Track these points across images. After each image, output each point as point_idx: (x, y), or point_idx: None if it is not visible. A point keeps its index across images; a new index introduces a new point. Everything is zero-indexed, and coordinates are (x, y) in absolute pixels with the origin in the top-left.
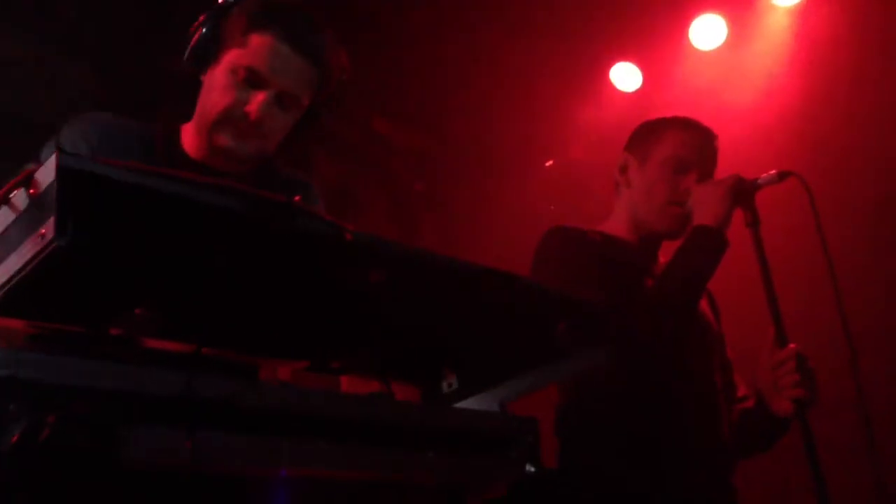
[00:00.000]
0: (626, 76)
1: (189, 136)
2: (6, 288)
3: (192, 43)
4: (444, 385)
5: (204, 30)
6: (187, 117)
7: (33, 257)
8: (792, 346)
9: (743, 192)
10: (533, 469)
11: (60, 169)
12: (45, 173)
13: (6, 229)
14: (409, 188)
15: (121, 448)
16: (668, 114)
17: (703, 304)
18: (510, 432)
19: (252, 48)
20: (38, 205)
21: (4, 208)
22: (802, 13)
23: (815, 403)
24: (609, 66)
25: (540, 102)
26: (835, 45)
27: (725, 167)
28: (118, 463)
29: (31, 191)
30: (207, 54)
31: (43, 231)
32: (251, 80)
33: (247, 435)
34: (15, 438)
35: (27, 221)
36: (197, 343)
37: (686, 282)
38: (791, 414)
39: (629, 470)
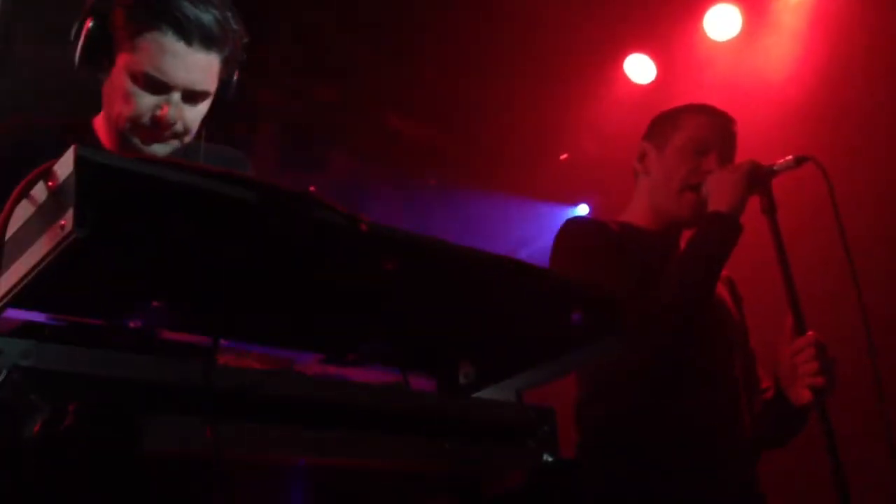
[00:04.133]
0: (640, 68)
1: (103, 131)
2: (27, 280)
3: (80, 48)
4: (461, 375)
5: (89, 30)
6: (96, 110)
7: (53, 249)
8: (811, 333)
9: (759, 178)
10: (550, 459)
11: (79, 160)
12: (64, 166)
13: (26, 222)
14: (423, 183)
15: (141, 437)
16: (682, 104)
17: (724, 293)
18: (527, 422)
19: (145, 51)
20: (56, 197)
21: (24, 202)
22: (817, 1)
23: (834, 391)
24: (623, 58)
25: (554, 96)
26: (849, 31)
27: (742, 155)
28: (138, 452)
29: (50, 183)
30: (100, 55)
31: (62, 223)
32: (152, 84)
33: (266, 424)
34: (37, 428)
35: (46, 214)
36: (213, 335)
37: (699, 269)
38: (810, 402)
39: (648, 462)
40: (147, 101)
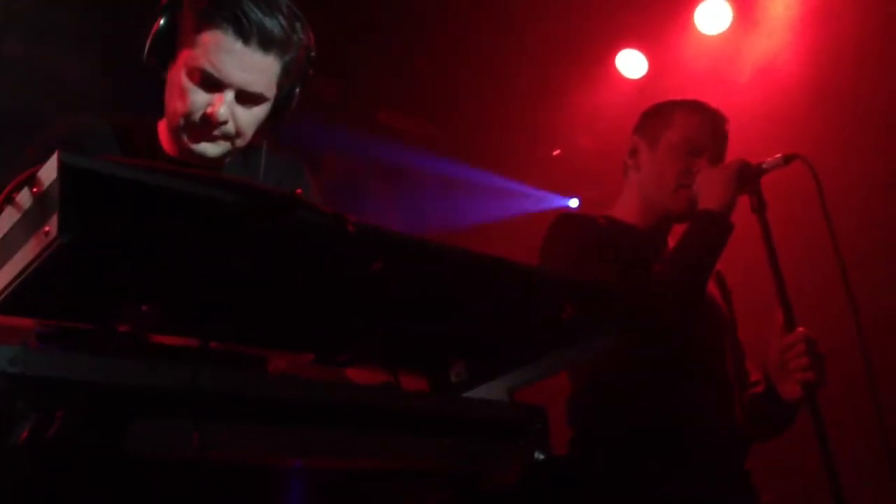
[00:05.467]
0: (631, 63)
1: (164, 135)
2: (13, 286)
3: (149, 41)
4: (453, 375)
5: (159, 26)
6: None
7: (38, 255)
8: (800, 329)
9: (748, 177)
10: (542, 457)
11: (62, 167)
12: (48, 172)
13: (11, 228)
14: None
15: (128, 441)
16: (675, 99)
17: (714, 288)
18: (519, 420)
19: (203, 48)
20: (41, 203)
21: (9, 208)
22: None
23: (824, 386)
24: (614, 53)
25: (546, 92)
26: (839, 24)
27: (733, 150)
28: (126, 456)
29: (34, 189)
30: (165, 52)
31: (47, 229)
32: (207, 81)
33: (255, 425)
34: (24, 434)
35: (31, 220)
36: (203, 337)
37: (690, 267)
38: (800, 397)
39: (641, 457)
40: (201, 97)
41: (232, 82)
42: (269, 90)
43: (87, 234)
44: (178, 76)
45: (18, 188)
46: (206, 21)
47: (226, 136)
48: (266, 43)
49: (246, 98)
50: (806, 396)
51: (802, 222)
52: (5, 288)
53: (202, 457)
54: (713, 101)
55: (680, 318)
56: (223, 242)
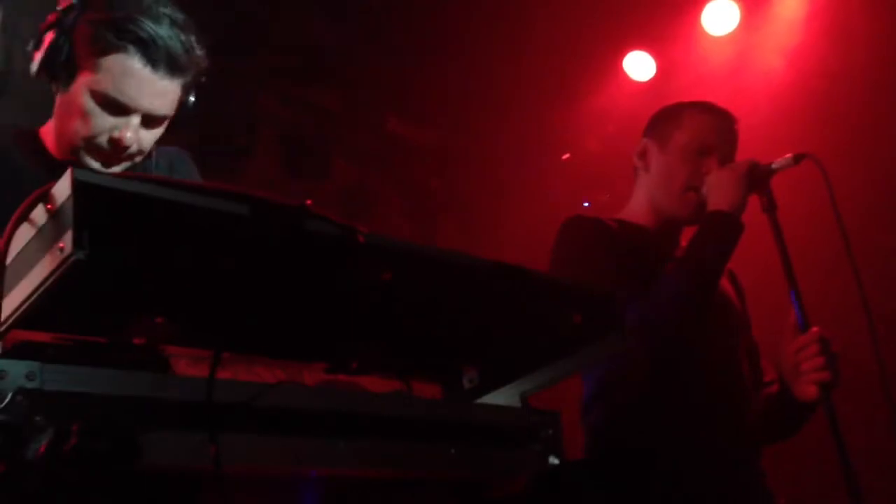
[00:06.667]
0: (639, 65)
1: (52, 142)
2: (29, 301)
3: (41, 56)
4: (465, 381)
5: (54, 42)
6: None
7: (53, 271)
8: (814, 329)
9: (758, 177)
10: (556, 461)
11: (76, 183)
12: (62, 189)
13: (27, 245)
14: (426, 185)
15: (145, 453)
16: (684, 101)
17: (728, 287)
18: (532, 425)
19: (108, 72)
20: (55, 220)
21: (24, 224)
22: None
23: (838, 386)
24: (622, 55)
25: (554, 96)
26: (847, 23)
27: (741, 150)
28: (143, 468)
29: (49, 206)
30: (60, 69)
31: (61, 245)
32: (113, 106)
33: (270, 436)
34: (42, 449)
35: (46, 236)
36: (216, 348)
37: (702, 268)
38: (815, 398)
39: (655, 459)
40: (106, 121)
41: (139, 108)
42: (172, 109)
43: (101, 250)
44: (79, 97)
45: (33, 205)
46: (110, 43)
47: (129, 157)
48: (173, 68)
49: (151, 121)
50: (821, 397)
51: (813, 222)
52: (22, 303)
53: (217, 469)
54: (722, 102)
55: (691, 318)
56: (236, 254)
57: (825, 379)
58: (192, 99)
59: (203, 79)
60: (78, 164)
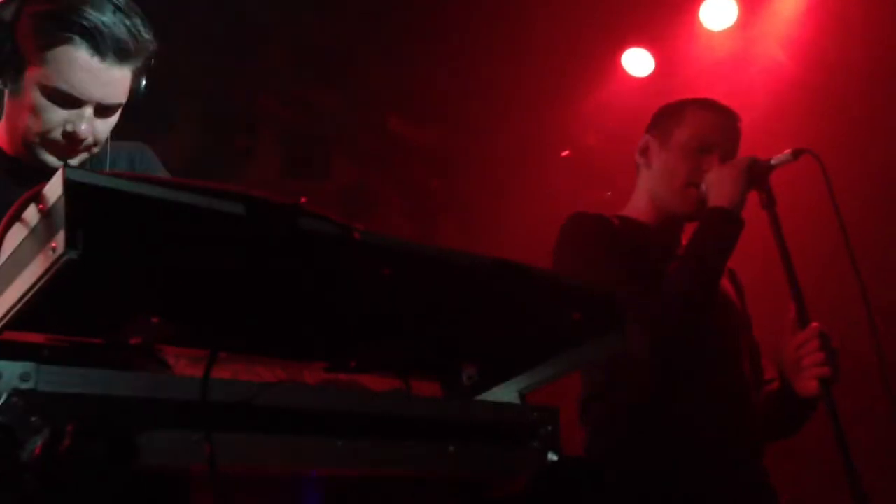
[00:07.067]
0: (638, 62)
1: (4, 140)
2: (22, 302)
3: None
4: (465, 378)
5: None
6: None
7: (46, 271)
8: (814, 324)
9: (758, 174)
10: (555, 458)
11: (67, 183)
12: (53, 188)
13: (19, 245)
14: (426, 185)
15: (140, 453)
16: (682, 97)
17: (728, 285)
18: (531, 422)
19: (56, 65)
20: (47, 220)
21: (17, 225)
22: None
23: (838, 381)
24: (621, 52)
25: (553, 94)
26: (845, 17)
27: (742, 144)
28: (138, 468)
29: (41, 206)
30: (4, 66)
31: (54, 245)
32: (63, 99)
33: (268, 435)
34: (38, 450)
35: (38, 236)
36: (213, 348)
37: (703, 265)
38: (816, 393)
39: (655, 457)
40: (58, 115)
41: (91, 99)
42: (125, 96)
43: (94, 249)
44: (28, 93)
45: (25, 205)
46: (55, 35)
47: (86, 148)
48: (121, 55)
49: (104, 110)
50: (822, 392)
51: (814, 216)
52: (15, 304)
53: (213, 468)
54: (720, 97)
55: (693, 316)
56: (231, 253)
57: (826, 374)
58: (143, 83)
59: (153, 62)
60: (34, 161)
